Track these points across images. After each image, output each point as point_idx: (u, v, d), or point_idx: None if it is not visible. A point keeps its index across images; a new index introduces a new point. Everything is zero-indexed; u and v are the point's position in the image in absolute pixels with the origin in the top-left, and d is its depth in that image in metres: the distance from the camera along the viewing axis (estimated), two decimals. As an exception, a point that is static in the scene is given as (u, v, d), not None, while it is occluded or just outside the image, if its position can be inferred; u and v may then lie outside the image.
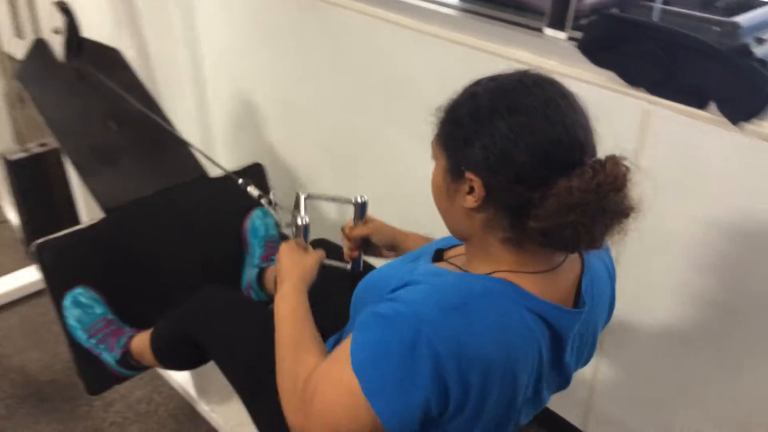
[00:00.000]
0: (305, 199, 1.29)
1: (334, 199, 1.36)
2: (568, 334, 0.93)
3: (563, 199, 0.81)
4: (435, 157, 0.94)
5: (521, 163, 0.82)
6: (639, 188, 0.85)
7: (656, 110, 1.33)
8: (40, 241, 1.55)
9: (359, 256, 1.32)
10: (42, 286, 2.34)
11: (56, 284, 1.56)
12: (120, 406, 1.93)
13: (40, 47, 1.87)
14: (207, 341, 1.31)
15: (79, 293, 1.57)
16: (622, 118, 1.38)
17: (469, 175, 0.86)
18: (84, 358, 1.59)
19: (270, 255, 1.80)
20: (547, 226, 0.82)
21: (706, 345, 1.44)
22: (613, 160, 0.84)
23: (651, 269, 1.46)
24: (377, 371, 0.83)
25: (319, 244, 1.44)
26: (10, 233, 2.64)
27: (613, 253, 1.07)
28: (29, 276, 2.37)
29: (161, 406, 1.94)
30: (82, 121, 1.78)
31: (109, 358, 1.57)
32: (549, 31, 1.49)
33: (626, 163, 0.84)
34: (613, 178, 0.82)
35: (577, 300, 0.95)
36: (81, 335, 1.57)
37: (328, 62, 2.00)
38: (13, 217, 2.63)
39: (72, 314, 1.56)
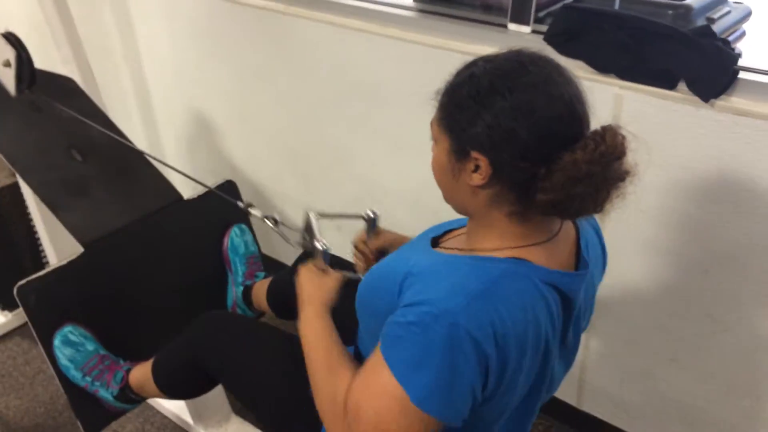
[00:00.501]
0: (317, 220, 1.26)
1: (343, 216, 1.35)
2: (577, 296, 0.98)
3: (570, 172, 0.85)
4: (435, 138, 0.96)
5: (525, 140, 0.86)
6: (633, 154, 0.90)
7: (628, 94, 1.39)
8: (21, 283, 1.50)
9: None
10: (6, 329, 2.28)
11: (43, 325, 1.51)
12: (112, 441, 1.89)
13: (-12, 82, 1.80)
14: (217, 365, 1.30)
15: (69, 331, 1.52)
16: (594, 104, 1.43)
17: (474, 154, 0.89)
18: (79, 398, 1.55)
19: (254, 272, 1.79)
20: (555, 198, 0.86)
21: (689, 307, 1.52)
22: (612, 131, 0.88)
23: (631, 237, 1.54)
24: (424, 377, 0.85)
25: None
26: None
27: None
28: (-9, 320, 2.28)
29: (155, 436, 1.91)
30: (45, 154, 1.72)
31: (106, 394, 1.54)
32: (513, 26, 1.54)
33: (623, 131, 0.89)
34: (613, 148, 0.86)
35: (578, 263, 1.00)
36: (75, 374, 1.52)
37: (286, 72, 2.00)
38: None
39: (63, 354, 1.51)
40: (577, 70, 1.44)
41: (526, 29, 1.52)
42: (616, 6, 1.46)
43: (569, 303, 0.97)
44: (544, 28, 1.47)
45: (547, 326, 0.93)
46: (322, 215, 1.27)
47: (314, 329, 1.06)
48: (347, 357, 1.01)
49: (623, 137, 0.88)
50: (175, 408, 1.92)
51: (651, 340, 1.61)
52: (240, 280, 1.77)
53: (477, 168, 0.90)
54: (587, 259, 1.00)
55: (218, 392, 1.88)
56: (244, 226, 1.81)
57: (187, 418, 1.88)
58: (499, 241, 0.94)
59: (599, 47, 1.41)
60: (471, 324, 0.84)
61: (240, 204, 1.52)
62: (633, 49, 1.36)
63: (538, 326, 0.91)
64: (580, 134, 0.87)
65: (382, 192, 1.98)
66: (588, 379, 1.76)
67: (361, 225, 1.33)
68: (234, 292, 1.76)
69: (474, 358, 0.85)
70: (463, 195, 0.95)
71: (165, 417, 1.95)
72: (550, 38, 1.46)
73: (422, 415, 0.85)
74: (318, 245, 1.20)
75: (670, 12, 1.46)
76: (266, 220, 1.43)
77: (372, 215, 1.31)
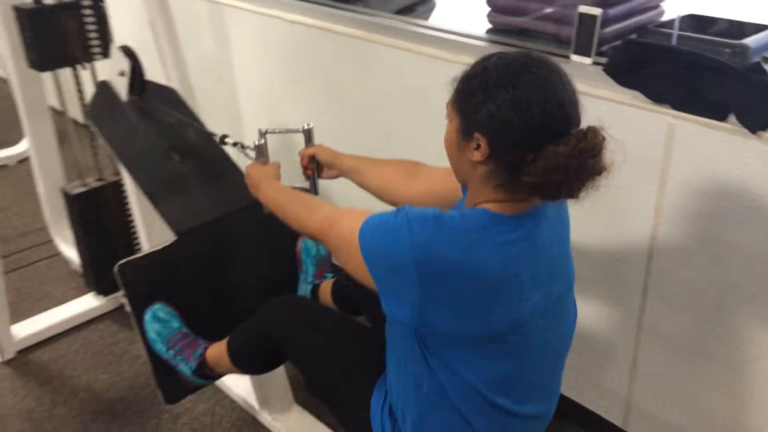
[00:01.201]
0: (264, 134, 1.61)
1: (288, 131, 1.70)
2: (536, 232, 1.11)
3: (551, 161, 1.00)
4: (449, 117, 1.13)
5: (519, 130, 1.02)
6: (610, 154, 1.04)
7: (680, 124, 1.49)
8: (121, 262, 1.70)
9: (313, 175, 1.65)
10: (100, 312, 2.52)
11: (137, 301, 1.71)
12: (186, 418, 2.07)
13: (104, 88, 2.04)
14: (284, 341, 1.46)
15: (158, 309, 1.71)
16: (648, 132, 1.54)
17: (477, 135, 1.06)
18: (162, 370, 1.73)
19: (322, 272, 1.95)
20: (536, 181, 1.02)
21: (733, 332, 1.58)
22: (594, 131, 1.03)
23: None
24: (373, 255, 1.10)
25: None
26: (63, 266, 2.80)
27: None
28: (87, 303, 2.52)
29: (224, 418, 2.07)
30: (149, 153, 1.93)
31: (185, 368, 1.71)
32: (575, 58, 1.66)
33: (603, 133, 1.03)
34: (592, 146, 1.01)
35: None
36: (160, 347, 1.71)
37: (365, 95, 2.17)
38: (66, 250, 2.79)
39: (152, 328, 1.70)
40: (633, 100, 1.55)
41: (587, 60, 1.64)
42: (674, 42, 1.56)
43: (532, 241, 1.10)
44: (603, 60, 1.59)
45: (495, 262, 1.06)
46: (269, 131, 1.63)
47: (275, 190, 1.44)
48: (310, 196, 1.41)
49: (603, 138, 1.03)
50: (243, 393, 2.08)
51: (697, 364, 1.67)
52: (309, 279, 1.93)
53: (478, 147, 1.06)
54: (544, 209, 1.13)
55: (283, 382, 2.03)
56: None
57: (254, 402, 2.04)
58: (483, 202, 1.11)
59: (655, 79, 1.51)
60: (413, 236, 1.05)
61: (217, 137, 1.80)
62: (686, 82, 1.46)
63: (481, 260, 1.05)
64: (567, 131, 1.02)
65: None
66: (634, 401, 1.83)
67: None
68: (303, 290, 1.92)
69: (403, 232, 1.06)
70: (465, 167, 1.12)
71: (233, 401, 2.12)
72: (609, 69, 1.58)
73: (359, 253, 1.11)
74: (254, 142, 1.57)
75: (728, 50, 1.56)
76: (236, 146, 1.71)
77: (307, 127, 1.65)
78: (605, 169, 1.03)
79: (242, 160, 1.75)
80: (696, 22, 1.77)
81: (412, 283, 1.05)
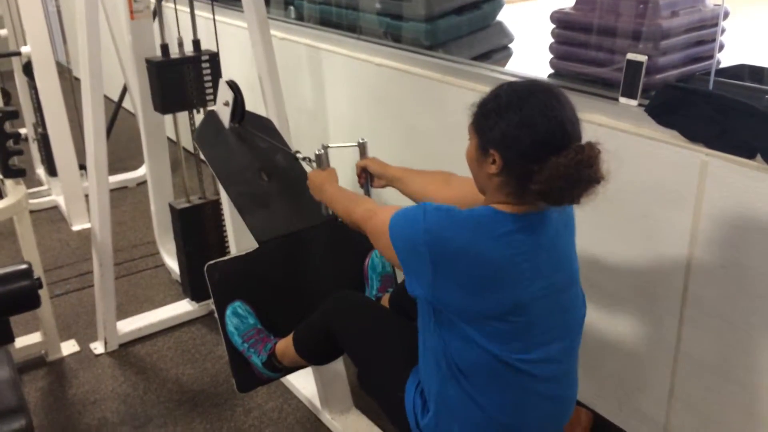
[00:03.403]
0: (326, 147, 1.86)
1: (346, 145, 1.92)
2: (537, 225, 1.29)
3: (553, 171, 1.18)
4: (470, 137, 1.34)
5: (526, 145, 1.22)
6: (606, 165, 1.21)
7: (713, 161, 1.61)
8: (210, 263, 1.97)
9: (366, 183, 1.88)
10: (192, 317, 2.81)
11: (220, 297, 1.96)
12: (257, 413, 2.29)
13: (210, 116, 2.36)
14: (342, 331, 1.67)
15: (238, 306, 1.96)
16: (684, 167, 1.66)
17: (492, 151, 1.26)
18: (238, 361, 1.96)
19: (385, 287, 2.14)
20: (542, 188, 1.20)
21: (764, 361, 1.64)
22: (590, 145, 1.21)
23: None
24: (398, 239, 1.33)
25: None
26: (166, 275, 3.14)
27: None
28: (182, 308, 2.83)
29: (290, 415, 2.28)
30: (242, 173, 2.22)
31: (257, 360, 1.94)
32: (623, 100, 1.81)
33: (599, 147, 1.21)
34: (588, 157, 1.19)
35: None
36: (237, 340, 1.95)
37: (440, 133, 2.38)
38: (169, 262, 3.13)
39: (231, 322, 1.95)
40: (671, 138, 1.68)
41: (633, 103, 1.79)
42: (710, 86, 1.69)
43: (533, 229, 1.28)
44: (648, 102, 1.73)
45: (496, 250, 1.24)
46: (329, 146, 1.87)
47: (332, 190, 1.72)
48: (364, 196, 1.69)
49: (599, 151, 1.20)
50: (308, 394, 2.29)
51: (730, 391, 1.73)
52: (374, 293, 2.13)
53: (494, 161, 1.26)
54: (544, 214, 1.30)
55: (344, 386, 2.23)
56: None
57: (317, 403, 2.24)
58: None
59: (690, 119, 1.64)
60: (428, 216, 1.28)
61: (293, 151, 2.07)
62: (718, 123, 1.58)
63: (483, 247, 1.24)
64: (567, 145, 1.20)
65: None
66: (671, 426, 1.89)
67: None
68: (368, 302, 2.13)
69: (423, 226, 1.28)
70: (483, 179, 1.32)
71: (300, 401, 2.33)
72: (650, 110, 1.72)
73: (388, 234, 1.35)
74: (315, 152, 1.83)
75: (767, 97, 1.67)
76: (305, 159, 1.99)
77: (361, 141, 1.88)
78: (602, 178, 1.20)
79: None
80: (749, 71, 1.89)
81: (426, 262, 1.26)
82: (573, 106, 1.25)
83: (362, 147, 1.91)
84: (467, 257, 1.24)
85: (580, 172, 1.18)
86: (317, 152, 1.86)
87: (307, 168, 1.98)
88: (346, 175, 1.97)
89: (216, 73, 2.55)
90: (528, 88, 1.26)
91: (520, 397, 1.35)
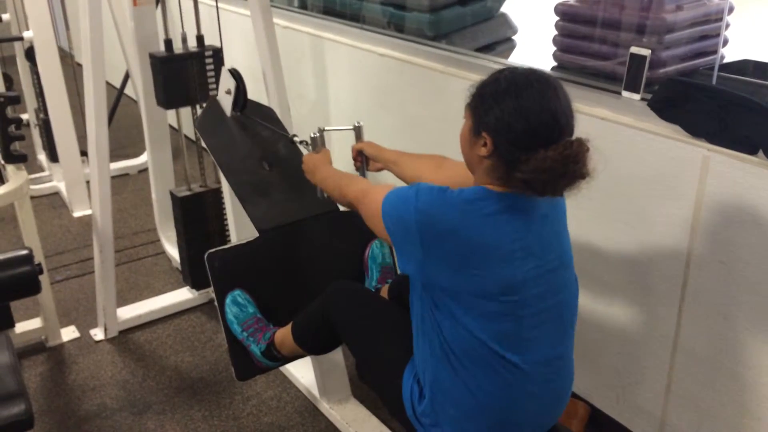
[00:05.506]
0: (321, 130, 1.87)
1: (342, 129, 1.94)
2: (523, 206, 1.30)
3: (539, 163, 1.19)
4: (465, 117, 1.35)
5: (518, 133, 1.23)
6: (593, 162, 1.22)
7: (714, 156, 1.60)
8: (210, 251, 1.97)
9: (362, 167, 1.88)
10: (192, 305, 2.81)
11: (220, 285, 1.96)
12: (255, 401, 2.30)
13: (212, 104, 2.36)
14: (341, 320, 1.67)
15: (237, 294, 1.96)
16: (685, 162, 1.66)
17: (484, 134, 1.27)
18: (236, 349, 1.96)
19: (385, 278, 2.15)
20: (526, 178, 1.21)
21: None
22: (579, 142, 1.22)
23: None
24: (390, 218, 1.35)
25: None
26: (166, 262, 3.15)
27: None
28: (182, 296, 2.83)
29: (288, 404, 2.29)
30: (243, 161, 2.22)
31: (255, 349, 1.94)
32: (626, 93, 1.80)
33: (588, 144, 1.21)
34: (575, 154, 1.19)
35: None
36: (236, 328, 1.95)
37: (438, 122, 2.38)
38: (169, 249, 3.13)
39: (231, 311, 1.95)
40: (673, 133, 1.68)
41: (636, 97, 1.78)
42: (713, 81, 1.68)
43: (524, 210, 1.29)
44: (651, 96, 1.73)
45: (484, 228, 1.26)
46: (326, 129, 1.88)
47: (326, 171, 1.73)
48: (358, 176, 1.71)
49: (587, 149, 1.21)
50: (307, 383, 2.30)
51: (727, 387, 1.73)
52: (373, 283, 2.13)
53: (485, 144, 1.27)
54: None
55: (342, 376, 2.23)
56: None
57: (315, 392, 2.25)
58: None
59: (693, 114, 1.64)
60: (420, 198, 1.30)
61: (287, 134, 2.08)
62: (721, 118, 1.58)
63: (471, 226, 1.26)
64: (558, 138, 1.21)
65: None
66: (668, 420, 1.90)
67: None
68: (368, 292, 2.13)
69: (413, 206, 1.30)
70: (474, 160, 1.33)
71: (298, 390, 2.34)
72: (652, 105, 1.71)
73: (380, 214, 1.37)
74: (310, 135, 1.85)
75: (769, 92, 1.67)
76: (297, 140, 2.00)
77: (357, 125, 1.89)
78: (588, 174, 1.21)
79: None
80: (753, 67, 1.88)
81: (416, 241, 1.28)
82: (569, 99, 1.26)
83: (358, 130, 1.92)
84: (455, 236, 1.26)
85: (566, 167, 1.19)
86: (312, 135, 1.87)
87: (304, 151, 1.99)
88: (344, 159, 1.96)
89: (219, 68, 2.54)
90: (527, 76, 1.26)
91: (510, 384, 1.35)
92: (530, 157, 1.21)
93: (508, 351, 1.32)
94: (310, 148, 1.90)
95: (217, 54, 2.53)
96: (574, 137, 1.23)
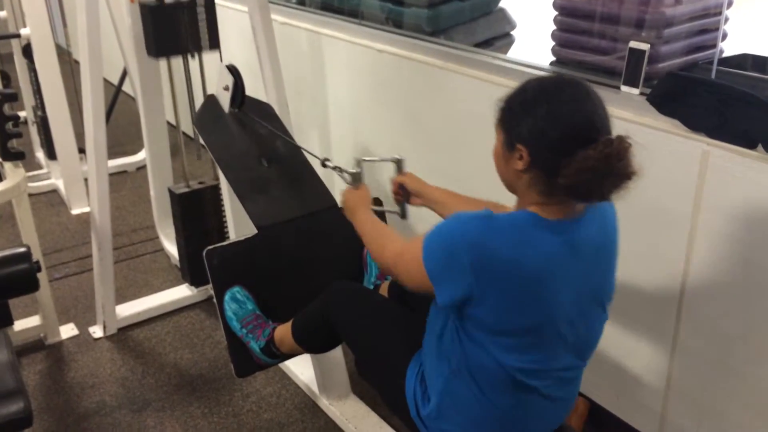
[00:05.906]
0: (360, 162, 1.79)
1: (382, 160, 1.90)
2: (577, 238, 1.25)
3: (581, 164, 1.15)
4: (497, 133, 1.30)
5: (553, 139, 1.19)
6: (637, 160, 1.18)
7: (713, 150, 1.60)
8: (209, 248, 1.96)
9: (403, 201, 1.80)
10: (191, 301, 2.81)
11: (219, 282, 1.96)
12: (255, 397, 2.30)
13: (210, 100, 2.35)
14: (340, 323, 1.66)
15: (237, 291, 1.96)
16: (685, 156, 1.66)
17: (519, 146, 1.23)
18: (236, 346, 1.96)
19: (384, 274, 2.15)
20: (570, 182, 1.17)
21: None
22: (620, 138, 1.17)
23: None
24: (432, 256, 1.27)
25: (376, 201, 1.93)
26: (165, 260, 3.14)
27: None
28: (181, 293, 2.83)
29: (288, 400, 2.29)
30: (242, 158, 2.21)
31: (255, 346, 1.94)
32: (625, 88, 1.80)
33: (630, 141, 1.17)
34: (617, 151, 1.15)
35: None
36: (235, 325, 1.95)
37: (437, 118, 2.37)
38: (168, 246, 3.13)
39: (230, 307, 1.95)
40: (673, 127, 1.67)
41: (635, 91, 1.78)
42: (713, 76, 1.68)
43: (573, 244, 1.25)
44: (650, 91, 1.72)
45: (539, 261, 1.21)
46: (364, 160, 1.80)
47: (363, 221, 1.62)
48: (393, 231, 1.54)
49: (629, 145, 1.17)
50: (306, 380, 2.29)
51: (728, 383, 1.73)
52: (372, 279, 2.13)
53: (521, 157, 1.23)
54: (588, 213, 1.27)
55: (342, 373, 2.23)
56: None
57: (315, 388, 2.25)
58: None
59: (692, 109, 1.63)
60: (466, 234, 1.22)
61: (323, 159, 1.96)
62: (720, 112, 1.57)
63: (527, 258, 1.20)
64: (595, 138, 1.17)
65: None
66: (669, 416, 1.90)
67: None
68: (367, 289, 2.12)
69: (465, 256, 1.21)
70: (511, 177, 1.29)
71: (298, 386, 2.34)
72: (652, 99, 1.71)
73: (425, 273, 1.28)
74: (350, 170, 1.77)
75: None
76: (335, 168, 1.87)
77: (398, 157, 1.81)
78: (634, 172, 1.17)
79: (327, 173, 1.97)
80: (752, 61, 1.87)
81: (466, 271, 1.21)
82: (602, 99, 1.22)
83: (399, 163, 1.82)
84: (511, 274, 1.20)
85: (610, 165, 1.14)
86: (353, 170, 1.78)
87: (338, 175, 1.88)
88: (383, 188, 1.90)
89: (212, 18, 2.51)
90: (555, 82, 1.24)
91: (525, 402, 1.34)
92: (570, 160, 1.16)
93: (532, 379, 1.31)
94: (345, 176, 1.82)
95: (210, 4, 2.48)
96: (614, 135, 1.20)
